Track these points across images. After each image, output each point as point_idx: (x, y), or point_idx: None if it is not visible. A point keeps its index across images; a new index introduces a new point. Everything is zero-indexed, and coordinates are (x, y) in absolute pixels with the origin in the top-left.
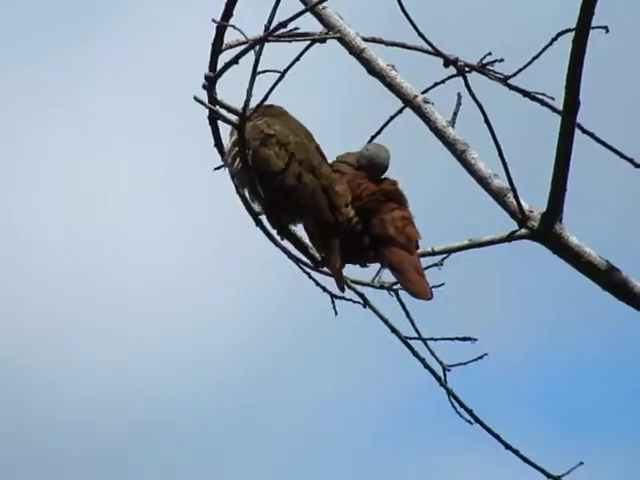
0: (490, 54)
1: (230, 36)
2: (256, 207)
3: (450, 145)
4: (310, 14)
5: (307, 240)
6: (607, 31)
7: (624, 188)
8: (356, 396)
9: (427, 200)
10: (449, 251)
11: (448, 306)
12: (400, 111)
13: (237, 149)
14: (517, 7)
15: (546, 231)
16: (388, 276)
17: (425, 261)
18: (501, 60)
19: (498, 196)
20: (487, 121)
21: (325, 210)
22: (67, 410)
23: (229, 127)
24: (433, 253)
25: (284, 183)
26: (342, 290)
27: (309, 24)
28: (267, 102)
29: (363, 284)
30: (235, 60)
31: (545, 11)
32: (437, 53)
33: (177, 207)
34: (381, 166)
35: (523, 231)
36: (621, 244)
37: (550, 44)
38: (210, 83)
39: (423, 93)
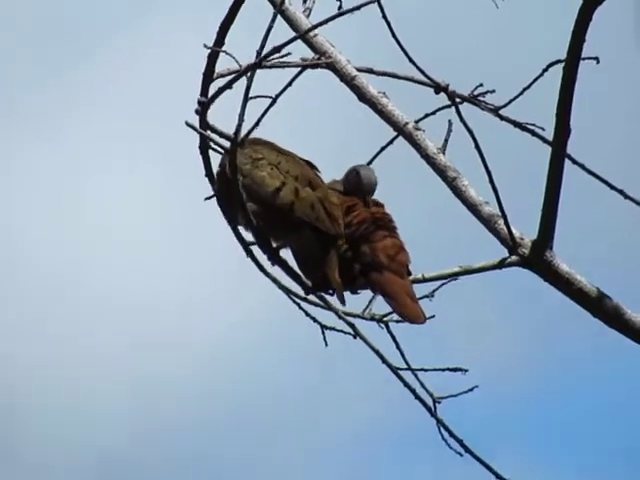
0: (481, 85)
1: (222, 62)
2: (246, 232)
3: (441, 172)
4: (302, 42)
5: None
6: (597, 62)
7: (614, 218)
8: (346, 425)
9: (418, 227)
10: (440, 278)
11: (439, 336)
12: (391, 142)
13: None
14: (508, 39)
15: (537, 258)
16: (378, 308)
17: (416, 288)
18: (492, 91)
19: (489, 223)
20: (478, 147)
21: (326, 221)
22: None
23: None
24: (424, 280)
25: (283, 200)
26: (343, 303)
27: (301, 53)
28: (259, 128)
29: (353, 316)
30: (228, 85)
31: (536, 42)
32: (428, 79)
33: (169, 236)
34: (370, 183)
35: (514, 258)
36: (611, 273)
37: (541, 75)
38: (203, 108)
39: (415, 122)
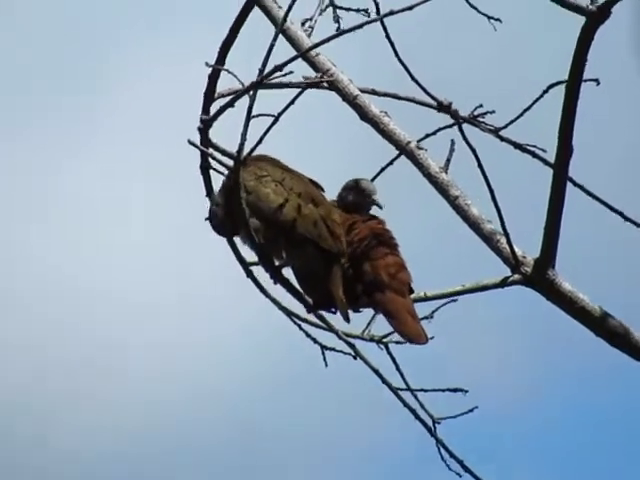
0: (481, 106)
1: (224, 80)
2: (248, 250)
3: (443, 191)
4: (304, 62)
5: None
6: (598, 84)
7: (615, 238)
8: (345, 446)
9: (420, 245)
10: (442, 296)
11: (439, 356)
12: (393, 161)
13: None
14: (508, 60)
15: (539, 277)
16: (378, 329)
17: (418, 307)
18: (492, 112)
19: (491, 242)
20: (480, 166)
21: (329, 239)
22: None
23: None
24: (426, 298)
25: (286, 217)
26: (347, 321)
27: (303, 73)
28: (262, 146)
29: (353, 336)
30: (231, 103)
31: (536, 63)
32: (431, 97)
33: (172, 240)
34: (369, 186)
35: (516, 277)
36: (612, 292)
37: (541, 96)
38: (205, 126)
39: (417, 142)
